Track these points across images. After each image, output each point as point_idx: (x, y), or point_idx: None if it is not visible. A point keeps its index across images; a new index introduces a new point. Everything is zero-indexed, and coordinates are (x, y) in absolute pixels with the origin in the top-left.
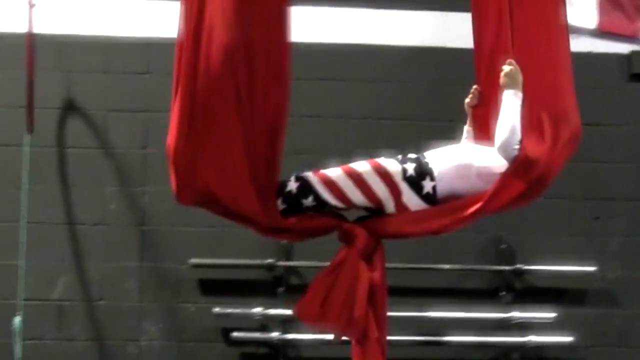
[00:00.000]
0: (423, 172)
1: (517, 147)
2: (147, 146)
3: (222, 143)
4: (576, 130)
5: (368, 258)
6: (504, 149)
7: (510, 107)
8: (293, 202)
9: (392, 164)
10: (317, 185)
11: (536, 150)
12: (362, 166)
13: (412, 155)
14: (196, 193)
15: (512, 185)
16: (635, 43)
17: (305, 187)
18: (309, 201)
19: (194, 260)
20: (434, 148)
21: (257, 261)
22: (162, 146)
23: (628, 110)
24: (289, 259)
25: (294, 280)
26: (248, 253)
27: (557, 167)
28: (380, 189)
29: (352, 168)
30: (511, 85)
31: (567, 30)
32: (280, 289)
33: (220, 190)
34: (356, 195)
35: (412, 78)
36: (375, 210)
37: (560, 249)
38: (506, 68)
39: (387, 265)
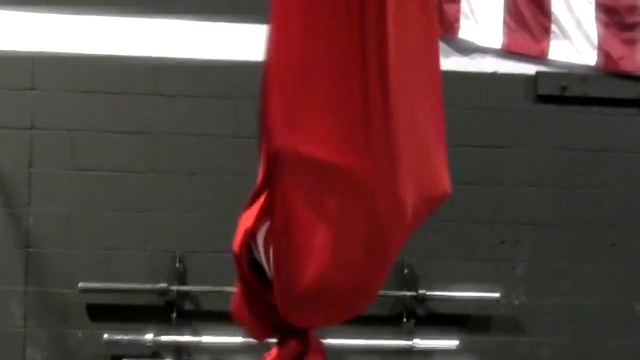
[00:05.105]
0: None
1: None
2: (32, 165)
3: None
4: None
5: None
6: None
7: None
8: None
9: None
10: None
11: None
12: None
13: None
14: None
15: None
16: (541, 64)
17: None
18: None
19: (82, 284)
20: None
21: (149, 285)
22: (47, 165)
23: (534, 132)
24: (182, 283)
25: (187, 306)
26: (139, 277)
27: None
28: None
29: None
30: None
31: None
32: (174, 315)
33: None
34: None
35: None
36: None
37: (465, 275)
38: None
39: None
